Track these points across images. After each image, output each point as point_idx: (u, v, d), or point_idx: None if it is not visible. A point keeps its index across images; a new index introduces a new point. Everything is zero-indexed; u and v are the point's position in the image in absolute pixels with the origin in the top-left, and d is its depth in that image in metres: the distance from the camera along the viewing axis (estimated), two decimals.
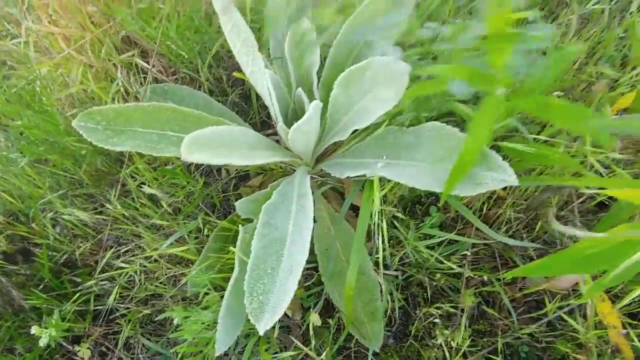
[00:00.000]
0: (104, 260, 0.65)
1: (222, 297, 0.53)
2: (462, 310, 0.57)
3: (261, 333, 0.43)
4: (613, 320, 0.47)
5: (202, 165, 0.74)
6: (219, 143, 0.48)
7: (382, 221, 0.44)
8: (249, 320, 0.47)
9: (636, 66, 0.56)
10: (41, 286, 0.68)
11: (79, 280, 0.69)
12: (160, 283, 0.65)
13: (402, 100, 0.48)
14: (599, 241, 0.31)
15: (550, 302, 0.53)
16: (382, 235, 0.45)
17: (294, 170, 0.68)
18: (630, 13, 0.63)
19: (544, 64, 0.35)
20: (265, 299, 0.46)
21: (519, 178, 0.39)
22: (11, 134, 0.71)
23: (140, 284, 0.65)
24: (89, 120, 0.54)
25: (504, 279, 0.60)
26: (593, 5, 0.63)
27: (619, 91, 0.55)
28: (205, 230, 0.65)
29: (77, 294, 0.64)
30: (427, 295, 0.62)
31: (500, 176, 0.39)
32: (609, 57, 0.63)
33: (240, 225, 0.55)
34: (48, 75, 0.71)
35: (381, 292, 0.58)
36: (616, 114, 0.60)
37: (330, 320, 0.59)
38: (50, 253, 0.69)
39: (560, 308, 0.55)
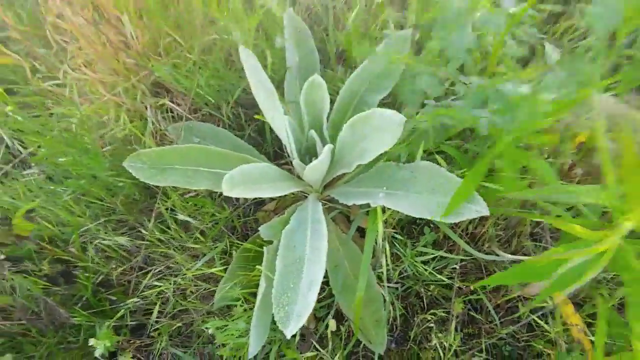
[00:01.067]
0: (144, 282, 0.75)
1: (248, 309, 0.63)
2: (454, 315, 0.69)
3: (288, 337, 0.54)
4: (575, 320, 0.59)
5: (221, 193, 0.86)
6: (251, 179, 0.60)
7: (385, 242, 0.56)
8: (272, 329, 0.58)
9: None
10: (79, 305, 0.78)
11: (114, 298, 0.79)
12: (191, 300, 0.75)
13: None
14: (540, 259, 0.43)
15: (523, 307, 0.65)
16: (385, 255, 0.57)
17: (305, 196, 0.80)
18: None
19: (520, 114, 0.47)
20: (291, 309, 0.57)
21: (491, 208, 0.52)
22: (52, 169, 0.82)
23: (174, 300, 0.75)
24: (137, 161, 0.65)
25: (488, 288, 0.72)
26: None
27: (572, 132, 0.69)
28: (229, 250, 0.76)
29: (120, 311, 0.74)
30: (423, 304, 0.73)
31: (475, 208, 0.52)
32: None
33: (264, 247, 0.66)
34: (85, 115, 0.83)
35: (384, 302, 0.69)
36: (576, 146, 0.74)
37: (341, 327, 0.70)
38: (88, 274, 0.79)
39: (535, 312, 0.67)
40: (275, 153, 0.91)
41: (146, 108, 0.84)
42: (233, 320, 0.59)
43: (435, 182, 0.59)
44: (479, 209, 0.52)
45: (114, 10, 0.80)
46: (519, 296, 0.69)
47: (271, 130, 0.88)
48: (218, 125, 0.88)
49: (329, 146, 0.61)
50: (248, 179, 0.60)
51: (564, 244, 0.41)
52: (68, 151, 0.75)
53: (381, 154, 0.64)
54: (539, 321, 0.64)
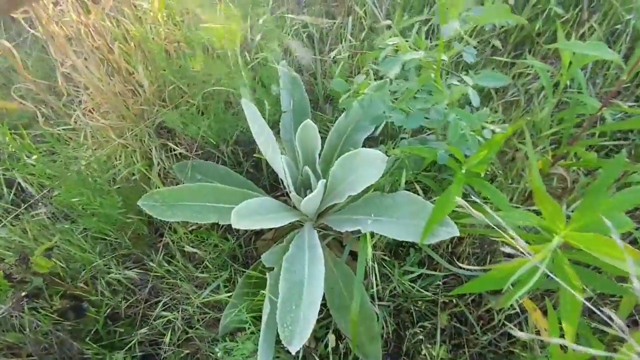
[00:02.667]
0: (154, 313, 0.82)
1: (255, 331, 0.72)
2: (440, 328, 0.79)
3: (293, 353, 0.63)
4: (543, 324, 0.70)
5: (223, 225, 0.95)
6: (255, 212, 0.70)
7: (374, 264, 0.67)
8: (276, 349, 0.67)
9: (544, 144, 0.84)
10: (88, 338, 0.84)
11: (122, 330, 0.85)
12: (196, 327, 0.83)
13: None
14: (493, 272, 0.55)
15: (497, 315, 0.76)
16: (375, 275, 0.68)
17: (301, 224, 0.90)
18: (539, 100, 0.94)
19: (483, 145, 0.60)
20: (294, 327, 0.66)
21: (461, 229, 0.64)
22: (65, 209, 0.90)
23: (182, 329, 0.82)
24: (150, 200, 0.75)
25: (468, 300, 0.82)
26: (510, 97, 0.93)
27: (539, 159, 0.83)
28: (233, 278, 0.85)
29: (129, 342, 0.81)
30: (413, 319, 0.83)
31: (448, 230, 0.64)
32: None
33: (267, 273, 0.76)
34: (97, 158, 0.93)
35: (377, 319, 0.79)
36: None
37: (339, 345, 0.79)
38: (96, 308, 0.86)
39: (511, 320, 0.78)
40: (271, 186, 1.02)
41: (151, 149, 0.95)
42: (241, 342, 0.68)
43: (414, 208, 0.71)
44: (450, 230, 0.63)
45: (124, 64, 0.92)
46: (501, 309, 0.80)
47: (267, 165, 0.99)
48: (218, 162, 0.99)
49: (322, 181, 0.73)
50: (253, 212, 0.71)
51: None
52: (83, 191, 0.84)
53: (368, 186, 0.76)
54: (513, 328, 0.75)
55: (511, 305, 0.79)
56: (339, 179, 0.79)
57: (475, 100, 0.61)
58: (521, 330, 0.77)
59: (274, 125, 0.95)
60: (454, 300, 0.81)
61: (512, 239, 0.49)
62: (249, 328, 0.69)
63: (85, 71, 0.88)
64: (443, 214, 0.64)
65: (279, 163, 0.78)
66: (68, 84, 1.00)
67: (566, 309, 0.47)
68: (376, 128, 0.87)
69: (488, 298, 0.81)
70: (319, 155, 0.83)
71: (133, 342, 0.82)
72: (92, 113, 0.97)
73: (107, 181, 0.89)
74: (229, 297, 0.80)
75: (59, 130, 0.99)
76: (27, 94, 1.11)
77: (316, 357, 0.76)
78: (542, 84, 0.91)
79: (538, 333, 0.74)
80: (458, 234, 0.63)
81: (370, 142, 0.93)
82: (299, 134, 0.79)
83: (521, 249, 0.51)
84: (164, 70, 0.92)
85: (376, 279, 0.69)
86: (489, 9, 0.61)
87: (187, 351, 0.82)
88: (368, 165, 0.71)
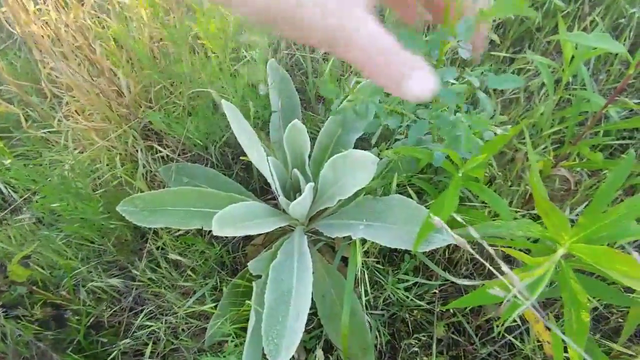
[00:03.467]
0: (136, 322, 0.78)
1: (238, 344, 0.67)
2: (436, 339, 0.74)
3: None
4: (546, 337, 0.65)
5: (210, 231, 0.91)
6: (240, 218, 0.66)
7: (365, 271, 0.62)
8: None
9: (546, 144, 0.79)
10: (70, 348, 0.80)
11: (105, 340, 0.81)
12: (182, 338, 0.78)
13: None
14: (492, 282, 0.50)
15: (497, 327, 0.71)
16: (365, 283, 0.63)
17: (292, 229, 0.86)
18: (540, 98, 0.89)
19: (481, 147, 0.55)
20: (280, 341, 0.61)
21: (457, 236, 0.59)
22: (45, 214, 0.86)
23: (166, 339, 0.78)
24: (130, 205, 0.71)
25: (467, 310, 0.77)
26: (510, 94, 0.88)
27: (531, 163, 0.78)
28: (219, 286, 0.81)
29: (109, 355, 0.76)
30: (409, 329, 0.78)
31: (443, 237, 0.59)
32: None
33: (253, 282, 0.71)
34: (79, 161, 0.89)
35: (370, 329, 0.74)
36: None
37: (330, 357, 0.74)
38: (78, 317, 0.81)
39: (512, 331, 0.73)
40: (262, 189, 0.98)
41: (137, 152, 0.91)
42: (224, 357, 0.63)
43: (407, 213, 0.66)
44: (445, 237, 0.59)
45: (108, 64, 0.88)
46: (499, 317, 0.75)
47: (257, 170, 0.95)
48: (206, 165, 0.95)
49: (310, 184, 0.68)
50: (237, 218, 0.66)
51: (518, 269, 0.48)
52: (63, 196, 0.80)
53: (361, 189, 0.72)
54: (514, 340, 0.70)
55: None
56: (330, 182, 0.74)
57: (488, 106, 0.55)
58: (522, 342, 0.71)
59: (264, 126, 0.91)
60: (452, 310, 0.76)
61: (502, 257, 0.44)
62: (232, 341, 0.65)
63: (67, 72, 0.84)
64: (443, 218, 0.59)
65: (266, 166, 0.73)
66: (53, 85, 0.96)
67: (571, 328, 0.42)
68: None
69: (487, 307, 0.76)
70: (309, 157, 0.78)
71: (115, 353, 0.77)
72: (77, 115, 0.93)
73: (91, 185, 0.85)
74: (214, 307, 0.75)
75: (42, 133, 0.95)
76: (14, 97, 1.08)
77: None
78: (543, 81, 0.86)
79: (540, 345, 0.69)
80: (454, 242, 0.58)
81: (362, 142, 0.88)
82: (286, 135, 0.75)
83: (522, 259, 0.46)
84: (149, 70, 0.88)
85: (368, 287, 0.64)
86: (501, 1, 0.55)
87: None
88: (358, 168, 0.66)
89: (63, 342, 0.79)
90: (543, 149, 0.80)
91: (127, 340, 0.80)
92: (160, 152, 0.93)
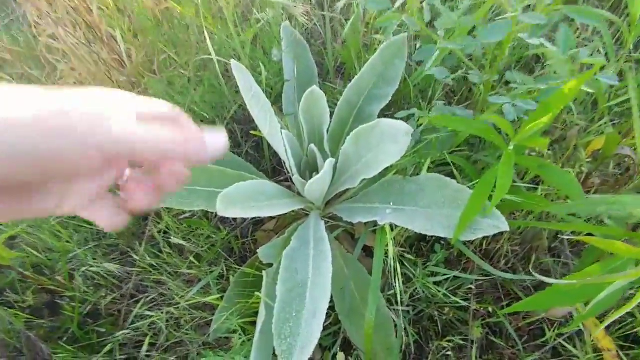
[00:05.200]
0: (134, 311, 0.69)
1: (246, 340, 0.57)
2: (472, 342, 0.62)
3: None
4: (607, 344, 0.53)
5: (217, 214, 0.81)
6: (247, 197, 0.55)
7: (395, 263, 0.51)
8: None
9: (603, 115, 0.66)
10: (65, 338, 0.71)
11: (103, 330, 0.72)
12: (185, 330, 0.69)
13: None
14: (576, 281, 0.38)
15: (549, 330, 0.59)
16: (397, 276, 0.52)
17: (306, 214, 0.75)
18: None
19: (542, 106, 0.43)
20: (293, 341, 0.51)
21: (508, 221, 0.46)
22: None
23: (168, 331, 0.68)
24: None
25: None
26: None
27: (591, 135, 0.64)
28: (226, 274, 0.71)
29: (106, 346, 0.67)
30: (438, 329, 0.67)
31: (493, 223, 0.47)
32: (581, 103, 0.74)
33: (264, 271, 0.61)
34: None
35: (395, 327, 0.63)
36: (590, 155, 0.70)
37: (350, 358, 0.63)
38: (74, 304, 0.73)
39: (561, 335, 0.61)
40: (274, 170, 0.87)
41: None
42: (230, 355, 0.53)
43: (445, 195, 0.54)
44: (497, 223, 0.46)
45: (106, 28, 0.78)
46: (543, 318, 0.63)
47: (269, 146, 0.84)
48: None
49: (330, 160, 0.57)
50: (244, 198, 0.55)
51: (600, 262, 0.36)
52: None
53: (387, 167, 0.60)
54: (567, 345, 0.58)
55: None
56: (352, 159, 0.62)
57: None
58: (574, 347, 0.59)
59: (276, 100, 0.80)
60: (490, 309, 0.64)
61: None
62: (240, 338, 0.55)
63: (62, 36, 0.74)
64: (483, 201, 0.47)
65: (279, 140, 0.62)
66: (50, 55, 0.86)
67: None
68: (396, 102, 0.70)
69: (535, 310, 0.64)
70: (327, 131, 0.67)
71: (113, 343, 0.68)
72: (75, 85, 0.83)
73: None
74: (220, 297, 0.65)
75: None
76: (15, 72, 0.99)
77: None
78: (599, 47, 0.72)
79: (600, 356, 0.56)
80: (507, 229, 0.46)
81: (386, 117, 0.76)
82: (303, 104, 0.63)
83: (617, 251, 0.34)
84: (153, 37, 0.77)
85: (397, 280, 0.53)
86: None
87: (174, 357, 0.69)
88: (388, 141, 0.54)
89: (57, 332, 0.70)
90: (601, 125, 0.66)
91: (126, 331, 0.71)
92: None
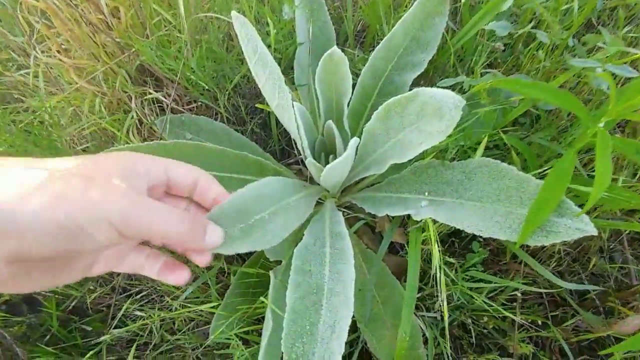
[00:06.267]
0: (122, 310, 0.59)
1: (249, 356, 0.47)
2: (519, 358, 0.51)
3: None
4: None
5: None
6: (254, 205, 0.41)
7: (440, 272, 0.39)
8: None
9: None
10: (47, 337, 0.62)
11: (89, 328, 0.63)
12: (182, 332, 0.59)
13: None
14: None
15: (617, 349, 0.48)
16: (441, 287, 0.40)
17: (321, 202, 0.63)
18: None
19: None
20: None
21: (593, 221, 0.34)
22: None
23: (162, 332, 0.59)
24: None
25: (555, 318, 0.54)
26: None
27: None
28: (227, 269, 0.60)
29: (92, 347, 0.58)
30: (472, 340, 0.56)
31: (575, 224, 0.34)
32: None
33: (270, 271, 0.50)
34: (58, 108, 0.67)
35: (424, 337, 0.52)
36: None
37: None
38: (57, 299, 0.63)
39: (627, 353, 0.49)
40: (282, 151, 0.75)
41: (129, 98, 0.68)
42: None
43: (499, 185, 0.42)
44: (581, 226, 0.34)
45: None
46: (606, 336, 0.51)
47: (277, 123, 0.71)
48: (216, 120, 0.72)
49: (355, 140, 0.45)
50: (246, 212, 0.40)
51: None
52: (32, 150, 0.59)
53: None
54: None
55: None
56: (379, 140, 0.50)
57: None
58: None
59: (287, 70, 0.67)
60: (540, 322, 0.53)
61: None
62: (241, 355, 0.44)
63: None
64: (560, 195, 0.34)
65: (290, 114, 0.49)
66: (30, 15, 0.73)
67: None
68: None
69: (590, 321, 0.52)
70: (348, 105, 0.54)
71: (100, 346, 0.59)
72: (59, 53, 0.71)
73: (70, 139, 0.64)
74: (219, 300, 0.55)
75: (20, 75, 0.74)
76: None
77: None
78: None
79: None
80: (595, 232, 0.34)
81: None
82: (319, 71, 0.50)
83: None
84: None
85: (439, 292, 0.41)
86: None
87: None
88: (431, 116, 0.42)
89: (37, 330, 0.61)
90: None
91: (117, 330, 0.61)
92: (160, 102, 0.70)
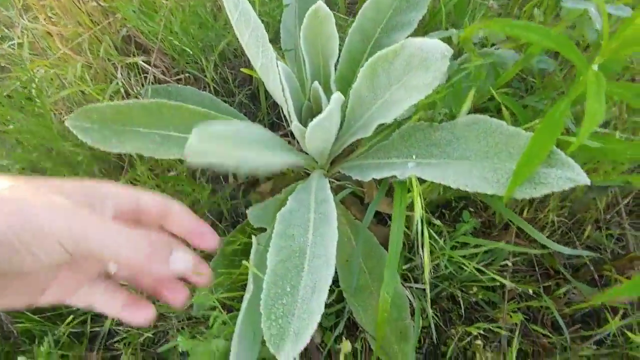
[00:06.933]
0: None
1: (228, 320, 0.45)
2: (502, 327, 0.49)
3: None
4: None
5: (207, 170, 0.68)
6: (232, 141, 0.41)
7: (424, 227, 0.37)
8: (263, 343, 0.40)
9: None
10: (33, 308, 0.60)
11: None
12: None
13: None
14: None
15: (612, 318, 0.45)
16: (424, 245, 0.38)
17: (308, 175, 0.61)
18: None
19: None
20: (286, 322, 0.38)
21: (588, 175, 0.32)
22: (7, 141, 0.65)
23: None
24: (85, 120, 0.47)
25: (547, 289, 0.52)
26: None
27: None
28: None
29: (72, 316, 0.57)
30: (461, 312, 0.54)
31: (565, 174, 0.32)
32: None
33: (253, 237, 0.48)
34: (46, 77, 0.66)
35: (411, 309, 0.50)
36: None
37: (356, 345, 0.51)
38: None
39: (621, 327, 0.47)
40: (272, 124, 0.73)
41: (115, 67, 0.66)
42: (207, 339, 0.41)
43: (490, 142, 0.39)
44: (572, 175, 0.32)
45: None
46: (600, 305, 0.49)
47: (267, 95, 0.69)
48: (203, 90, 0.70)
49: (337, 96, 0.42)
50: (227, 139, 0.41)
51: None
52: (14, 116, 0.58)
53: (411, 113, 0.45)
54: (633, 336, 0.44)
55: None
56: (366, 101, 0.48)
57: None
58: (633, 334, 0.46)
59: (276, 38, 0.64)
60: (531, 291, 0.51)
61: None
62: (219, 316, 0.42)
63: None
64: (550, 145, 0.32)
65: (275, 76, 0.47)
66: None
67: None
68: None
69: (583, 292, 0.50)
70: (335, 68, 0.52)
71: (84, 314, 0.58)
72: (45, 21, 0.69)
73: (52, 105, 0.62)
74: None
75: (9, 45, 0.72)
76: None
77: (323, 354, 0.50)
78: None
79: None
80: (588, 182, 0.31)
81: None
82: (304, 29, 0.48)
83: None
84: None
85: (421, 251, 0.39)
86: None
87: (151, 334, 0.58)
88: (417, 68, 0.39)
89: None
90: None
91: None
92: (146, 72, 0.68)
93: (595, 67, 0.31)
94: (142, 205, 0.25)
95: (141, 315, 0.26)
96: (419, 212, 0.34)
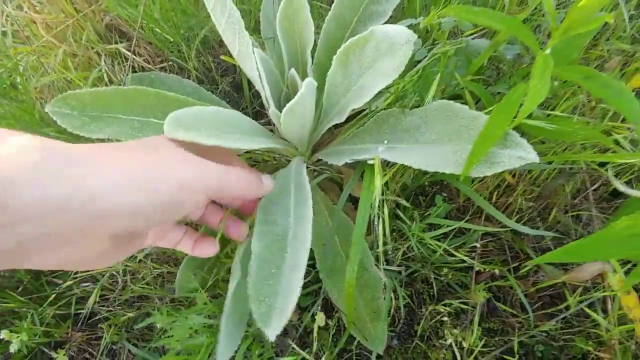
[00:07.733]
0: None
1: (210, 298, 0.47)
2: (473, 307, 0.52)
3: (272, 339, 0.37)
4: (639, 314, 0.42)
5: None
6: (209, 124, 0.42)
7: (383, 209, 0.39)
8: (248, 324, 0.42)
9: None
10: (20, 289, 0.62)
11: (59, 281, 0.63)
12: (147, 284, 0.59)
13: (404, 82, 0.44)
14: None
15: (571, 296, 0.48)
16: (384, 225, 0.40)
17: (289, 162, 0.62)
18: None
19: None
20: (273, 301, 0.40)
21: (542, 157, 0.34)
22: None
23: (125, 285, 0.59)
24: (64, 106, 0.48)
25: (517, 272, 0.54)
26: None
27: (635, 66, 0.50)
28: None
29: (56, 296, 0.58)
30: (433, 292, 0.56)
31: (517, 153, 0.34)
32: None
33: None
34: (30, 64, 0.66)
35: (384, 289, 0.52)
36: (634, 92, 0.55)
37: (329, 321, 0.53)
38: None
39: (578, 302, 0.49)
40: (255, 114, 0.74)
41: (99, 55, 0.67)
42: (184, 314, 0.43)
43: (454, 125, 0.41)
44: (522, 154, 0.34)
45: None
46: (559, 284, 0.51)
47: (249, 84, 0.70)
48: (187, 79, 0.70)
49: (309, 79, 0.44)
50: (204, 124, 0.42)
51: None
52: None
53: (385, 98, 0.47)
54: (592, 313, 0.46)
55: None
56: (340, 88, 0.49)
57: None
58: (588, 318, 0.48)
59: (256, 28, 0.65)
60: (497, 271, 0.53)
61: None
62: (197, 296, 0.44)
63: None
64: (505, 126, 0.34)
65: (252, 62, 0.48)
66: None
67: None
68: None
69: (549, 272, 0.52)
70: (312, 56, 0.53)
71: (68, 296, 0.59)
72: (30, 12, 0.69)
73: (35, 92, 0.63)
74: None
75: None
76: None
77: (294, 337, 0.51)
78: None
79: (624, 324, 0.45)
80: (537, 160, 0.33)
81: None
82: (280, 16, 0.49)
83: None
84: None
85: (385, 233, 0.41)
86: None
87: (133, 313, 0.59)
88: (384, 54, 0.41)
89: (10, 281, 0.61)
90: None
91: (86, 284, 0.61)
92: (126, 59, 0.68)
93: (548, 51, 0.33)
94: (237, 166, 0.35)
95: (209, 248, 0.37)
96: (378, 187, 0.36)
